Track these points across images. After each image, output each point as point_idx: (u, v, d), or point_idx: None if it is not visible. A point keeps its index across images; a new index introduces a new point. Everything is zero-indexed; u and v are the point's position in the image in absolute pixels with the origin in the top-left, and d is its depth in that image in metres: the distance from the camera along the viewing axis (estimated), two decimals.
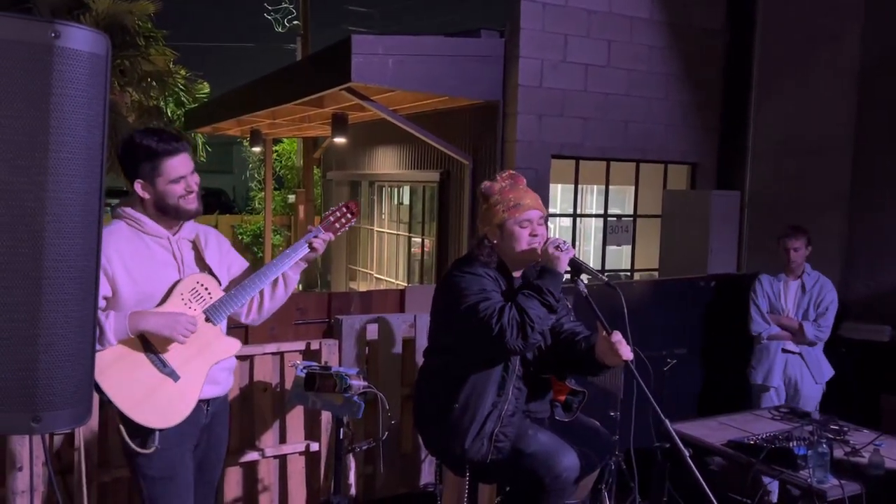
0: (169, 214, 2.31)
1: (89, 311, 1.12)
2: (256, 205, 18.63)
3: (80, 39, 1.04)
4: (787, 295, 4.34)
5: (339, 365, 3.68)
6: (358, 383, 3.19)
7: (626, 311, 2.43)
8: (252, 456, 3.61)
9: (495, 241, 2.57)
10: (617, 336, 2.43)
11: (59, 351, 1.08)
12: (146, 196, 2.28)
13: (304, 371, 3.22)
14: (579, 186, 7.34)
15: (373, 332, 3.88)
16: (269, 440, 3.66)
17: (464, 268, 2.53)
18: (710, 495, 2.14)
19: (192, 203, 2.32)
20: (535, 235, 2.55)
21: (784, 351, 4.31)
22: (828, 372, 4.33)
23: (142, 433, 2.23)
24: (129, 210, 2.31)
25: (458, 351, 2.53)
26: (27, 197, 1.04)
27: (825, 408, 4.23)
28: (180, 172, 2.27)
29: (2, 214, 1.04)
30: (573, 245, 2.77)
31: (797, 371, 4.28)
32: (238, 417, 3.57)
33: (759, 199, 6.91)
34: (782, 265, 4.33)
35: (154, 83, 13.49)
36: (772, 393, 4.30)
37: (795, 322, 4.26)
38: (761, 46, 6.96)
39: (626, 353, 2.41)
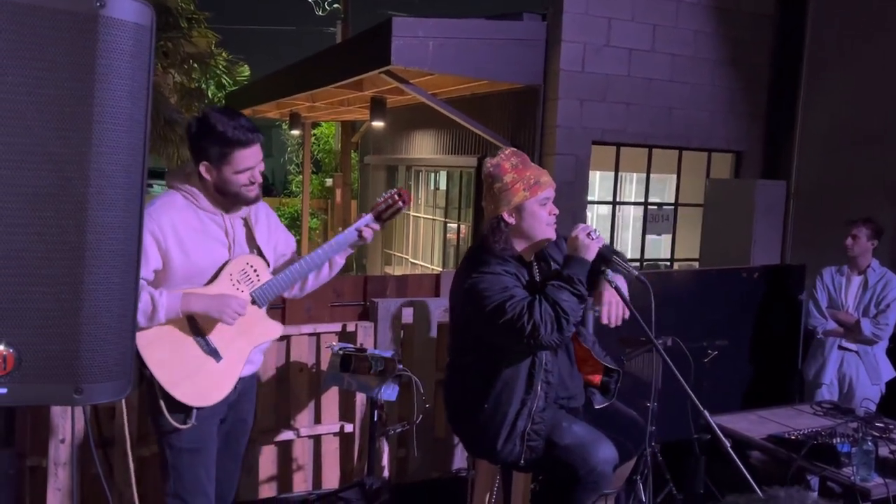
0: (228, 199, 2.30)
1: (131, 283, 1.12)
2: (294, 188, 18.80)
3: (125, 9, 1.03)
4: (849, 290, 4.21)
5: (374, 347, 3.68)
6: (393, 366, 3.19)
7: (653, 305, 2.35)
8: (287, 435, 3.64)
9: (512, 223, 2.42)
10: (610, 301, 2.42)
11: (102, 323, 1.08)
12: (208, 178, 2.26)
13: (340, 352, 3.23)
14: (619, 174, 7.23)
15: (408, 315, 3.88)
16: (304, 420, 3.69)
17: (480, 268, 2.38)
18: (754, 484, 2.09)
19: (252, 192, 2.31)
20: (554, 214, 2.45)
21: (840, 348, 4.18)
22: (887, 373, 4.18)
23: (181, 410, 2.26)
24: (187, 185, 2.30)
25: (486, 351, 2.44)
26: (71, 168, 1.04)
27: (884, 410, 4.10)
28: (248, 164, 2.25)
29: (47, 185, 1.04)
30: (612, 233, 2.72)
31: (853, 369, 4.15)
32: (274, 397, 3.60)
33: (806, 190, 6.73)
34: (845, 254, 4.21)
35: (196, 65, 13.63)
36: (823, 389, 4.19)
37: (853, 318, 4.14)
38: (812, 32, 6.74)
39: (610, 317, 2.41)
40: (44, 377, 1.07)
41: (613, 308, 2.41)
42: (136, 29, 1.05)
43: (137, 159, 1.09)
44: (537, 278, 2.50)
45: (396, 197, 2.52)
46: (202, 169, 2.25)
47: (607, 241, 2.46)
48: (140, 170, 1.11)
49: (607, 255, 2.41)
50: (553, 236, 2.48)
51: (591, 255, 2.37)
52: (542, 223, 2.43)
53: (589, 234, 2.37)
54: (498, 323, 2.29)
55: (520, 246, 2.47)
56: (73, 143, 1.04)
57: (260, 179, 2.31)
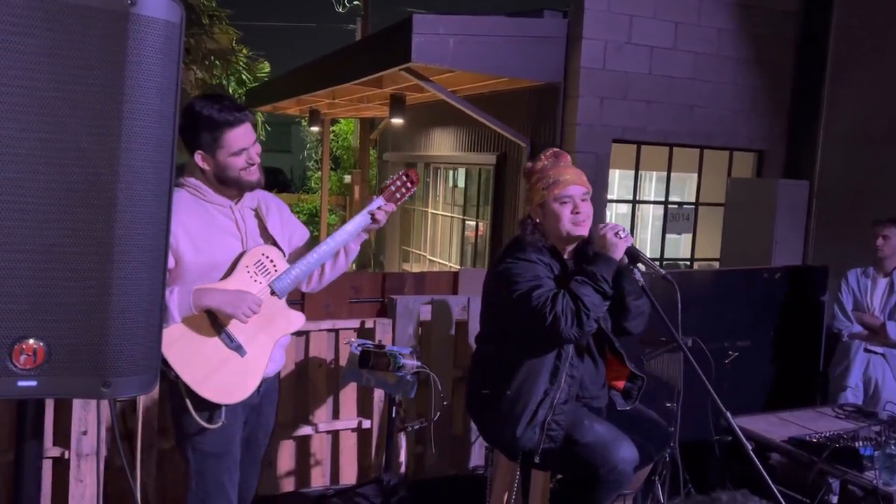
0: (230, 186, 2.26)
1: (158, 279, 1.14)
2: (313, 184, 18.86)
3: (155, 7, 1.04)
4: (874, 292, 4.15)
5: (393, 344, 3.69)
6: (411, 363, 3.20)
7: (680, 304, 2.37)
8: (305, 430, 3.66)
9: (538, 221, 2.51)
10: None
11: (130, 317, 1.09)
12: (206, 167, 2.22)
13: (359, 349, 3.24)
14: (639, 172, 7.18)
15: (426, 313, 3.89)
16: (322, 415, 3.71)
17: (517, 254, 2.47)
18: (774, 489, 2.07)
19: (253, 175, 2.26)
20: (578, 212, 2.46)
21: (866, 351, 4.14)
22: None
23: (207, 408, 2.22)
24: (191, 179, 2.26)
25: (511, 338, 2.48)
26: (101, 164, 1.05)
27: None
28: (242, 145, 2.21)
29: (77, 181, 1.05)
30: (631, 232, 2.72)
31: (879, 372, 4.10)
32: (293, 392, 3.63)
33: (830, 190, 6.64)
34: (872, 256, 4.16)
35: (217, 61, 13.73)
36: (848, 392, 4.15)
37: (879, 320, 4.08)
38: (837, 30, 6.65)
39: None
40: (73, 370, 1.09)
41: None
42: (166, 26, 1.06)
43: (166, 155, 1.10)
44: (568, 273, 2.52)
45: (405, 178, 2.52)
46: (198, 159, 2.22)
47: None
48: (169, 165, 1.12)
49: (634, 255, 2.43)
50: (583, 233, 2.49)
51: (618, 254, 2.39)
52: (563, 221, 2.46)
53: (617, 233, 2.40)
54: (523, 310, 2.34)
55: (552, 240, 2.53)
56: (103, 139, 1.05)
57: (257, 160, 2.26)
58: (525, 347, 2.45)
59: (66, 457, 3.10)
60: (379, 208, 2.45)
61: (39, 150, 1.03)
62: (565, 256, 2.56)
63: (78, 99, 1.04)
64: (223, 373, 2.22)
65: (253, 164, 2.26)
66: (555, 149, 2.64)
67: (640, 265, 2.48)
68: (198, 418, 2.21)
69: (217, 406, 2.23)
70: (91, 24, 1.02)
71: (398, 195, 2.51)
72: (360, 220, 2.44)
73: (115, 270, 1.08)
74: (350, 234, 2.43)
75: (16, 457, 1.22)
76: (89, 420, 3.10)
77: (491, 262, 2.66)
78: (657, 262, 7.16)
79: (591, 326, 2.34)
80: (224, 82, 14.29)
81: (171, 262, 2.18)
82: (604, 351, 2.63)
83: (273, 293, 2.31)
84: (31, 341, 1.06)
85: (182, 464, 2.39)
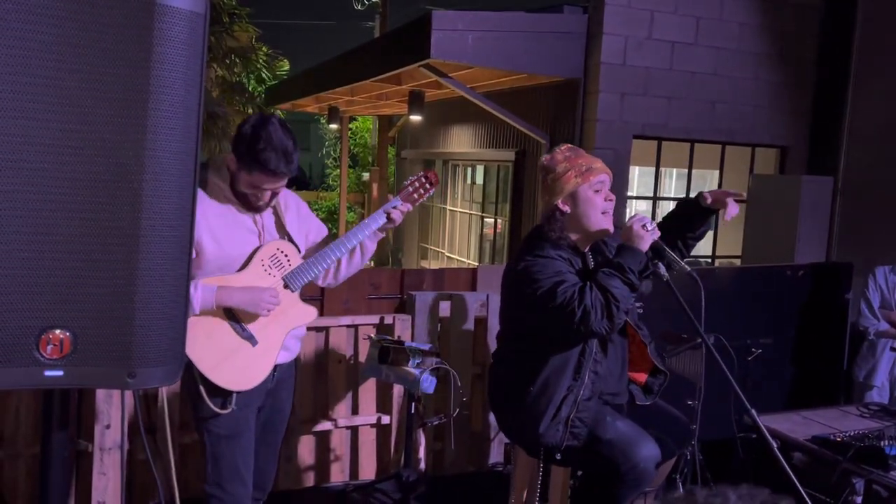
0: (237, 195, 2.33)
1: (183, 270, 1.14)
2: (331, 182, 18.93)
3: None
4: None
5: (412, 340, 3.69)
6: (430, 359, 3.20)
7: (703, 301, 2.34)
8: (325, 425, 3.67)
9: (567, 211, 2.44)
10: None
11: (155, 309, 1.10)
12: (232, 169, 2.30)
13: (379, 344, 3.25)
14: (660, 169, 7.12)
15: (445, 309, 3.88)
16: (342, 411, 3.71)
17: (535, 251, 2.42)
18: (800, 488, 2.04)
19: (260, 201, 2.32)
20: (610, 200, 2.45)
21: (893, 349, 4.07)
22: None
23: (220, 394, 2.30)
24: (215, 178, 2.33)
25: (536, 336, 2.45)
26: (127, 155, 1.05)
27: None
28: (264, 186, 2.27)
29: (103, 172, 1.05)
30: None
31: None
32: (313, 387, 3.64)
33: (854, 187, 6.54)
34: None
35: (237, 59, 13.81)
36: (873, 392, 4.09)
37: None
38: (862, 24, 6.55)
39: (732, 209, 2.47)
40: (98, 360, 1.09)
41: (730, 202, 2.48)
42: (191, 17, 1.06)
43: (191, 146, 1.10)
44: (591, 268, 2.49)
45: (423, 179, 2.55)
46: (229, 158, 2.29)
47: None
48: (193, 157, 1.12)
49: (659, 250, 2.40)
50: (610, 227, 2.47)
51: (644, 246, 2.36)
52: (597, 209, 2.44)
53: (644, 226, 2.36)
54: (548, 307, 2.30)
55: (575, 236, 2.48)
56: (128, 130, 1.05)
57: (266, 199, 2.32)
58: (548, 344, 2.43)
59: (90, 450, 3.13)
60: (395, 208, 2.49)
61: (64, 140, 1.04)
62: (585, 250, 2.53)
63: (102, 90, 1.04)
64: (235, 361, 2.29)
65: (262, 200, 2.32)
66: (568, 144, 2.61)
67: (667, 260, 2.45)
68: (210, 404, 2.29)
69: (229, 392, 2.30)
70: (115, 14, 1.03)
71: (416, 195, 2.55)
72: (375, 219, 2.48)
73: (141, 261, 1.08)
74: (364, 232, 2.47)
75: (42, 448, 1.23)
76: (112, 413, 3.13)
77: (511, 258, 2.62)
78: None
79: (620, 319, 2.30)
80: (244, 80, 14.37)
81: (192, 253, 2.22)
82: (626, 347, 2.60)
83: (286, 286, 2.38)
84: (58, 331, 1.07)
85: (203, 457, 2.43)
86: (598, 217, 2.44)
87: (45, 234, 1.05)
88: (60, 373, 1.08)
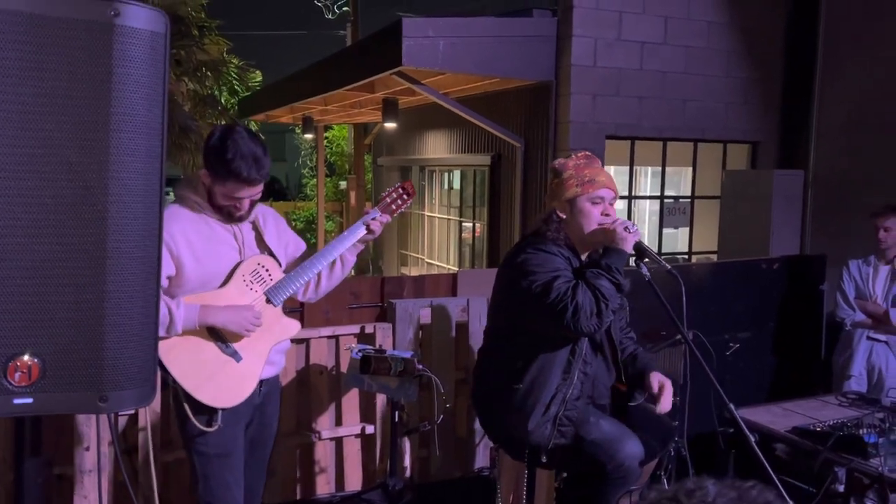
0: (215, 208, 2.33)
1: (152, 291, 1.13)
2: (308, 192, 18.85)
3: (139, 17, 1.03)
4: (876, 280, 4.15)
5: (393, 348, 3.68)
6: (413, 366, 3.19)
7: (685, 297, 2.38)
8: (309, 438, 3.65)
9: (564, 217, 2.51)
10: (662, 385, 2.50)
11: (125, 331, 1.09)
12: (206, 183, 2.30)
13: (360, 354, 3.23)
14: (634, 168, 7.18)
15: (426, 316, 3.88)
16: (325, 422, 3.69)
17: (537, 244, 2.47)
18: (776, 481, 2.06)
19: (240, 211, 2.33)
20: (607, 215, 2.49)
21: (869, 338, 4.14)
22: None
23: (206, 412, 2.28)
24: (193, 196, 2.33)
25: (524, 331, 2.47)
26: (91, 177, 1.04)
27: None
28: (241, 196, 2.28)
29: (67, 194, 1.04)
30: None
31: (882, 360, 4.10)
32: (295, 400, 3.61)
33: (825, 179, 6.64)
34: (874, 246, 4.15)
35: (209, 72, 13.69)
36: (852, 381, 4.14)
37: (882, 308, 4.09)
38: (827, 19, 6.66)
39: (666, 404, 2.48)
40: (69, 386, 1.08)
41: (666, 394, 2.49)
42: (151, 37, 1.05)
43: (155, 166, 1.09)
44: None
45: (401, 190, 2.58)
46: (202, 173, 2.30)
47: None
48: (158, 176, 1.11)
49: (641, 250, 2.47)
50: (603, 238, 2.50)
51: (628, 248, 2.43)
52: (592, 221, 2.49)
53: (626, 228, 2.43)
54: (542, 302, 2.33)
55: (572, 239, 2.53)
56: (91, 151, 1.04)
57: (245, 208, 2.32)
58: (538, 341, 2.45)
59: (71, 473, 3.09)
60: (374, 219, 2.50)
61: (27, 164, 1.02)
62: (583, 257, 2.57)
63: (63, 112, 1.03)
64: (219, 378, 2.28)
65: (241, 209, 2.32)
66: (586, 152, 2.66)
67: (645, 260, 2.51)
68: (196, 422, 2.28)
69: (215, 410, 2.28)
70: (74, 36, 1.02)
71: (394, 206, 2.58)
72: (354, 231, 2.48)
73: (109, 283, 1.07)
74: (343, 244, 2.47)
75: (14, 475, 1.21)
76: (91, 436, 3.08)
77: (505, 257, 2.64)
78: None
79: (608, 317, 2.35)
80: (216, 93, 14.26)
81: (172, 270, 2.25)
82: (615, 354, 2.64)
83: (268, 301, 2.37)
84: (26, 358, 1.05)
85: (187, 476, 2.41)
86: (593, 226, 2.49)
87: (9, 260, 1.03)
88: (30, 400, 1.06)
